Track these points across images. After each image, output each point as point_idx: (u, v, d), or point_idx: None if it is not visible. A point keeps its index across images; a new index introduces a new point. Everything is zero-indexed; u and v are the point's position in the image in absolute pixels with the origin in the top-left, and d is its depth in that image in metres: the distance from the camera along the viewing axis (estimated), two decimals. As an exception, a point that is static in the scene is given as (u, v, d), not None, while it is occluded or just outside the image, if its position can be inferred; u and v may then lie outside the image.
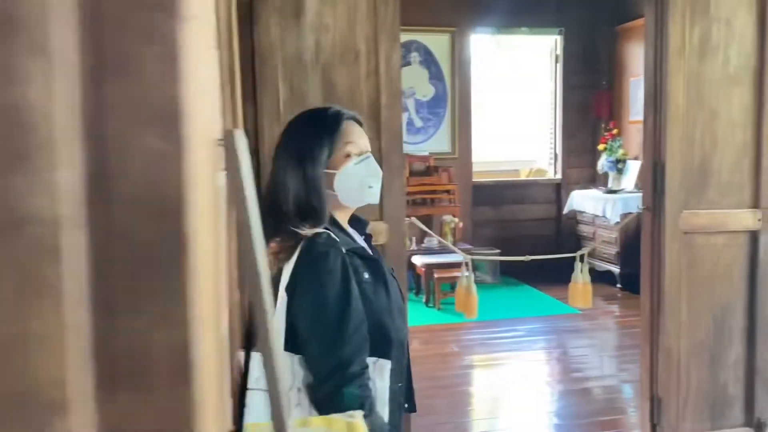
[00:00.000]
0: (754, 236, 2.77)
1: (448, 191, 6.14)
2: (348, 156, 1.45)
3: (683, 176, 2.69)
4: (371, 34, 2.39)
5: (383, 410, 1.41)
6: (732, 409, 2.83)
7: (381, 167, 2.34)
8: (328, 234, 1.40)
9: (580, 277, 3.05)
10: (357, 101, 2.40)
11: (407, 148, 6.33)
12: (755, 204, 2.76)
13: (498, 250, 6.41)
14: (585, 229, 6.33)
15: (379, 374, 1.40)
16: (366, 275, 1.42)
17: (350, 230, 1.52)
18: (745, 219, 2.75)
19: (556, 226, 6.90)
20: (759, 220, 2.75)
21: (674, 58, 2.64)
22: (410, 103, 6.40)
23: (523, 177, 7.02)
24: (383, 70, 2.40)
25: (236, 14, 2.24)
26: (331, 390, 1.33)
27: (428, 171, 6.26)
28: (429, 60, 6.40)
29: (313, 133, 1.46)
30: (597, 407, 3.61)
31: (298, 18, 2.35)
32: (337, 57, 2.38)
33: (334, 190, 1.45)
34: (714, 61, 2.68)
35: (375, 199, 1.50)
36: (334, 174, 1.44)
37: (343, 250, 1.38)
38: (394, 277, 1.58)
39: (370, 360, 1.39)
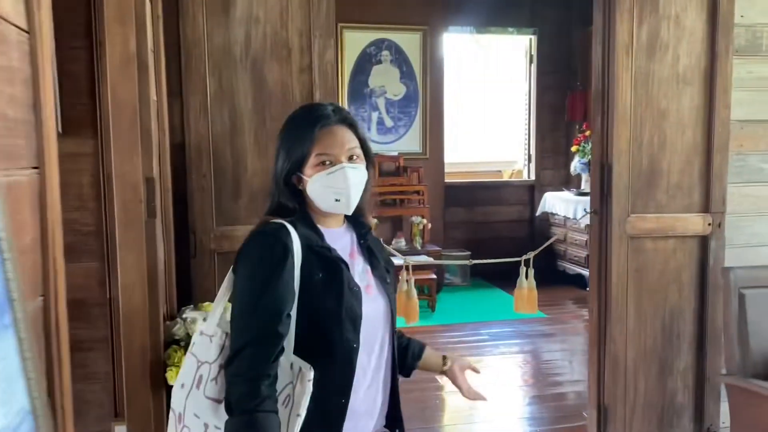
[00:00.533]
0: (704, 241, 2.70)
1: (417, 192, 6.06)
2: (319, 165, 1.40)
3: (630, 179, 2.62)
4: (305, 28, 2.31)
5: (294, 418, 1.32)
6: (681, 418, 2.76)
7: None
8: (281, 225, 1.37)
9: (525, 282, 2.97)
10: (289, 97, 2.32)
11: (377, 148, 6.26)
12: (705, 208, 2.69)
13: (469, 252, 6.34)
14: (557, 231, 6.26)
15: (300, 379, 1.33)
16: (320, 274, 1.37)
17: (326, 229, 1.45)
18: (695, 223, 2.68)
19: (530, 228, 6.83)
20: (709, 224, 2.68)
21: (621, 56, 2.56)
22: (381, 102, 6.31)
23: (506, 178, 6.96)
24: (317, 66, 2.32)
25: (161, 7, 2.15)
26: (231, 373, 1.32)
27: (398, 171, 6.18)
28: (400, 59, 6.32)
29: (293, 134, 1.44)
30: (562, 413, 3.53)
31: (227, 11, 2.26)
32: (269, 52, 2.30)
33: (307, 193, 1.43)
34: (663, 59, 2.61)
35: (345, 210, 1.44)
36: (306, 180, 1.41)
37: (295, 245, 1.35)
38: (388, 295, 1.49)
39: (294, 361, 1.34)
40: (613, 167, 2.59)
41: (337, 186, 1.40)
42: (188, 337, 2.02)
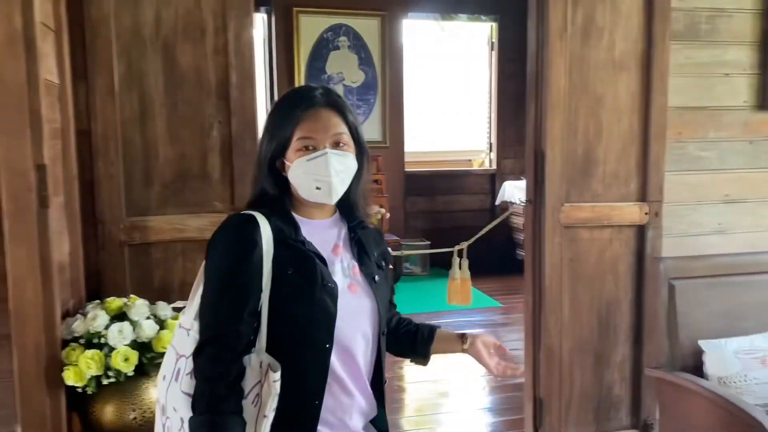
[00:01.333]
0: (641, 230, 2.64)
1: (376, 181, 5.96)
2: (301, 150, 1.32)
3: (565, 166, 2.55)
4: (219, 8, 2.19)
5: (262, 419, 1.27)
6: (618, 411, 2.71)
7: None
8: (249, 216, 1.31)
9: (458, 273, 2.89)
10: (203, 81, 2.21)
11: (335, 136, 6.14)
12: (642, 197, 2.63)
13: (429, 242, 6.27)
14: (516, 220, 6.21)
15: (266, 379, 1.28)
16: (290, 269, 1.30)
17: (307, 220, 1.38)
18: (632, 212, 2.62)
19: (490, 217, 6.77)
20: (646, 213, 2.62)
21: (555, 40, 2.48)
22: (339, 89, 6.18)
23: (476, 167, 6.90)
24: (233, 48, 2.21)
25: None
26: (195, 370, 1.28)
27: (357, 160, 6.07)
28: (358, 45, 6.20)
29: (278, 115, 1.36)
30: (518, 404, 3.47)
31: (135, -12, 2.13)
32: (181, 32, 2.18)
33: (290, 180, 1.35)
34: (599, 44, 2.54)
35: (327, 200, 1.35)
36: (288, 165, 1.33)
37: (264, 237, 1.28)
38: (375, 294, 1.39)
39: (264, 359, 1.28)
40: (546, 155, 2.52)
41: (318, 173, 1.31)
42: (89, 334, 1.91)
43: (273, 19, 5.99)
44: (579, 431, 2.68)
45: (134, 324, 1.95)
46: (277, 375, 1.26)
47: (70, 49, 2.08)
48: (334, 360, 1.32)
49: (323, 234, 1.39)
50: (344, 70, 6.19)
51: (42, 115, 1.78)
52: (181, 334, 1.34)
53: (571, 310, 2.61)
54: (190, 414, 1.27)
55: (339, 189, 1.34)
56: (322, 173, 1.31)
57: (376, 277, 1.41)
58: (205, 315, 1.29)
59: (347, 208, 1.43)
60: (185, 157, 2.21)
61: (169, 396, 1.33)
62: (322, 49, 6.12)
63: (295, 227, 1.34)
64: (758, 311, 2.25)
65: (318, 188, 1.32)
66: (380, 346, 1.42)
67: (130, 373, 1.90)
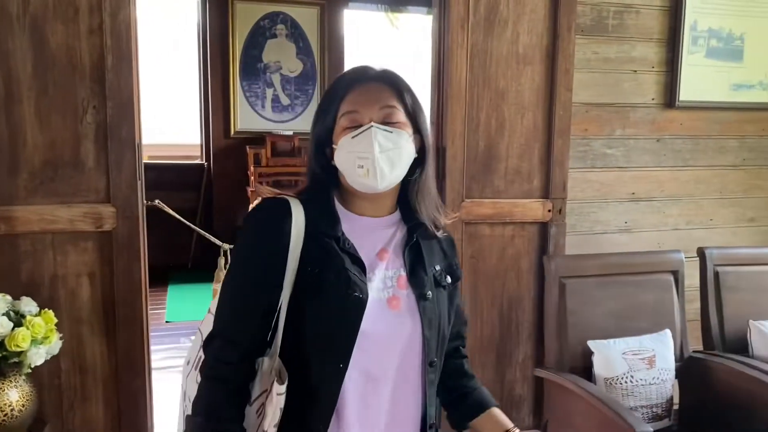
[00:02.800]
0: (544, 228, 2.60)
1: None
2: (347, 129, 1.15)
3: (466, 162, 2.49)
4: (92, -16, 2.05)
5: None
6: (519, 410, 2.67)
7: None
8: (281, 201, 1.16)
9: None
10: (76, 62, 2.07)
11: (271, 127, 6.02)
12: (546, 193, 2.58)
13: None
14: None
15: (272, 391, 1.13)
16: (315, 269, 1.13)
17: (355, 216, 1.20)
18: (534, 209, 2.57)
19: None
20: (549, 210, 2.58)
21: (456, 30, 2.41)
22: (276, 79, 6.05)
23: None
24: (108, 28, 2.07)
25: None
26: (203, 360, 1.17)
27: (293, 152, 5.95)
28: (296, 33, 6.06)
29: (327, 96, 1.20)
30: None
31: (-2, -39, 1.98)
32: (51, 10, 2.04)
33: (338, 167, 1.18)
34: (502, 36, 2.47)
35: (372, 183, 1.14)
36: (335, 149, 1.17)
37: (294, 227, 1.13)
38: (422, 315, 1.18)
39: (275, 367, 1.13)
40: (447, 149, 2.45)
41: (360, 150, 1.12)
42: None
43: (207, 5, 5.82)
44: (480, 431, 2.63)
45: (-15, 320, 1.82)
46: (282, 388, 1.11)
47: (-75, 24, 1.93)
48: (351, 386, 1.13)
49: (372, 234, 1.20)
50: (281, 59, 6.05)
51: None
52: (208, 320, 1.21)
53: (472, 308, 2.55)
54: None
55: (387, 171, 1.14)
56: (365, 150, 1.12)
57: (429, 294, 1.19)
58: (220, 304, 1.17)
59: (407, 207, 1.23)
60: (56, 144, 2.08)
61: (188, 383, 1.23)
62: (258, 36, 5.96)
63: (334, 220, 1.17)
64: (650, 311, 2.23)
65: (360, 166, 1.12)
66: (425, 382, 1.19)
67: (-24, 373, 1.77)
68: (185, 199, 5.92)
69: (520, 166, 2.55)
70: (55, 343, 1.95)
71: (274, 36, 6.01)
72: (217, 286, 2.97)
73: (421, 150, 1.21)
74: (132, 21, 2.11)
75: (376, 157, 1.12)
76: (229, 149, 5.96)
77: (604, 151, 2.69)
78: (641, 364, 2.09)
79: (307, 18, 6.08)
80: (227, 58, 5.87)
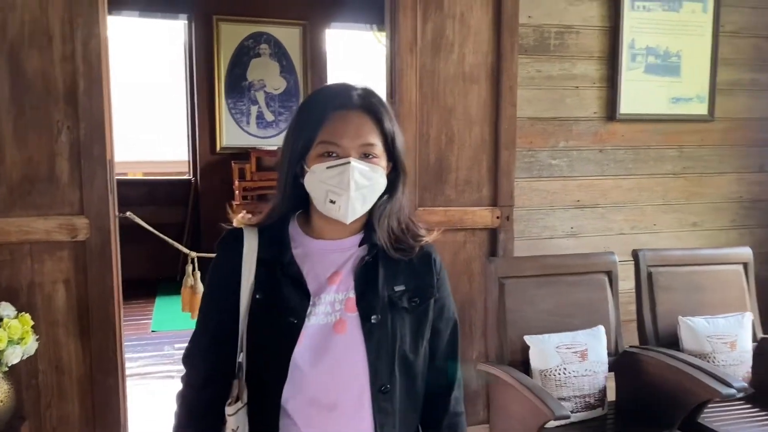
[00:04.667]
0: (493, 233, 2.78)
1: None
2: (323, 156, 1.13)
3: (418, 173, 2.68)
4: (67, 16, 2.25)
5: None
6: (475, 405, 2.83)
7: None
8: (236, 232, 1.19)
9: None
10: (50, 86, 2.27)
11: (256, 142, 6.22)
12: (494, 202, 2.77)
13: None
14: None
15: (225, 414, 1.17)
16: (259, 295, 1.15)
17: (315, 240, 1.20)
18: (484, 216, 2.75)
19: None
20: (498, 217, 2.77)
21: (406, 53, 2.61)
22: (260, 96, 6.26)
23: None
24: (80, 55, 2.27)
25: None
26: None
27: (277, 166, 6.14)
28: (279, 53, 6.28)
29: (304, 114, 1.18)
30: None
31: (-21, -5, 2.18)
32: (27, 38, 2.23)
33: (307, 189, 1.17)
34: (449, 57, 2.67)
35: (341, 218, 1.14)
36: (306, 171, 1.15)
37: (246, 255, 1.16)
38: (373, 340, 1.15)
39: (241, 388, 1.17)
40: (399, 161, 2.64)
41: (334, 184, 1.11)
42: None
43: (193, 26, 6.04)
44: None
45: (-36, 322, 1.99)
46: (231, 409, 1.14)
47: None
48: (299, 413, 1.14)
49: (327, 257, 1.19)
50: (265, 77, 6.26)
51: None
52: None
53: (426, 310, 2.72)
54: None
55: (358, 208, 1.14)
56: (340, 186, 1.11)
57: (376, 317, 1.14)
58: (195, 326, 1.24)
59: (372, 227, 1.19)
60: (33, 161, 2.27)
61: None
62: (242, 56, 6.17)
63: (282, 245, 1.18)
64: (584, 309, 2.40)
65: (332, 201, 1.12)
66: (375, 409, 1.15)
67: (-43, 371, 1.95)
68: (174, 214, 6.11)
69: (469, 176, 2.74)
70: (31, 344, 2.13)
71: (258, 55, 6.22)
72: (185, 291, 3.15)
73: (393, 176, 1.20)
74: (103, 48, 2.30)
75: (351, 196, 1.11)
76: (215, 165, 6.15)
77: (549, 161, 2.88)
78: (574, 357, 2.26)
79: (289, 37, 6.29)
80: (213, 76, 6.08)
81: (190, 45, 6.10)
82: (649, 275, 2.55)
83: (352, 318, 1.15)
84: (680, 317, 2.48)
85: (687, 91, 3.02)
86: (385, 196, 1.19)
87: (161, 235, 2.62)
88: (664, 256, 2.60)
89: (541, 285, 2.39)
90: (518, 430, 2.10)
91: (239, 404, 1.15)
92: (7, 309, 2.14)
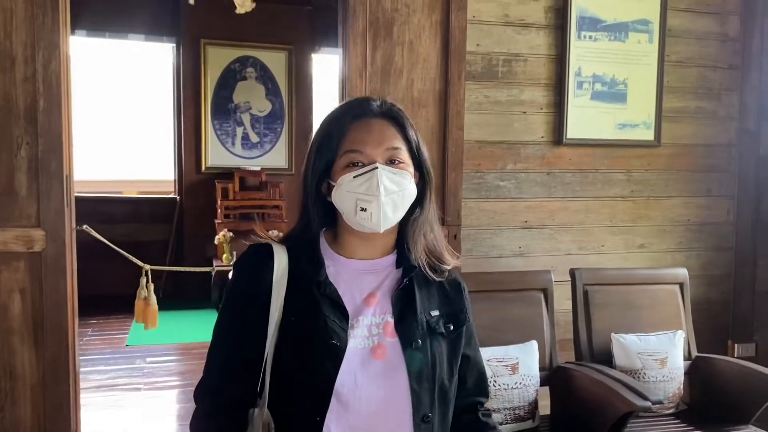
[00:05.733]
0: (441, 252, 2.88)
1: (277, 207, 6.17)
2: (348, 167, 1.12)
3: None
4: (29, 40, 2.39)
5: None
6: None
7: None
8: (265, 247, 1.14)
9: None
10: (12, 105, 2.40)
11: (241, 162, 6.36)
12: (441, 221, 2.86)
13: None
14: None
15: None
16: (294, 317, 1.10)
17: (346, 259, 1.16)
18: (431, 235, 2.86)
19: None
20: (445, 236, 2.86)
21: (355, 79, 2.74)
22: (246, 118, 6.42)
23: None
24: (41, 77, 2.40)
25: None
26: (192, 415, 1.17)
27: (261, 186, 6.28)
28: (265, 76, 6.45)
29: (325, 130, 1.16)
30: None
31: (-54, 20, 2.33)
32: (-10, 61, 2.37)
33: (335, 204, 1.14)
34: (398, 83, 2.80)
35: (373, 226, 1.10)
36: (334, 186, 1.12)
37: (276, 274, 1.11)
38: (412, 367, 1.11)
39: (265, 419, 1.11)
40: (348, 181, 2.76)
41: (363, 191, 1.08)
42: None
43: (181, 49, 6.23)
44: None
45: None
46: None
47: None
48: None
49: (362, 278, 1.15)
50: (251, 100, 6.43)
51: None
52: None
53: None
54: None
55: (390, 214, 1.10)
56: (369, 192, 1.08)
57: (417, 343, 1.11)
58: (208, 353, 1.16)
59: (404, 248, 1.17)
60: (-7, 176, 2.39)
61: None
62: (229, 79, 6.35)
63: (317, 264, 1.13)
64: (518, 324, 2.50)
65: (363, 209, 1.08)
66: None
67: None
68: (159, 231, 6.25)
69: (417, 196, 2.85)
70: (-18, 349, 2.23)
71: (244, 78, 6.40)
72: (138, 303, 3.26)
73: (421, 186, 1.17)
74: (63, 70, 2.44)
75: (382, 201, 1.08)
76: (200, 184, 6.30)
77: (497, 183, 3.00)
78: (505, 370, 2.35)
79: (275, 62, 6.47)
80: (199, 98, 6.25)
81: (178, 67, 6.28)
82: (585, 293, 2.65)
83: (392, 343, 1.11)
84: (613, 334, 2.57)
85: (633, 117, 3.14)
86: (417, 210, 1.16)
87: (117, 249, 2.74)
88: (600, 275, 2.70)
89: (477, 300, 2.46)
90: None
91: None
92: (-39, 315, 2.25)
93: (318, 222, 1.16)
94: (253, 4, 4.75)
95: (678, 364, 2.57)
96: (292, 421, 1.09)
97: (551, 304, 2.58)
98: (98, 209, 5.65)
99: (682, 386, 2.60)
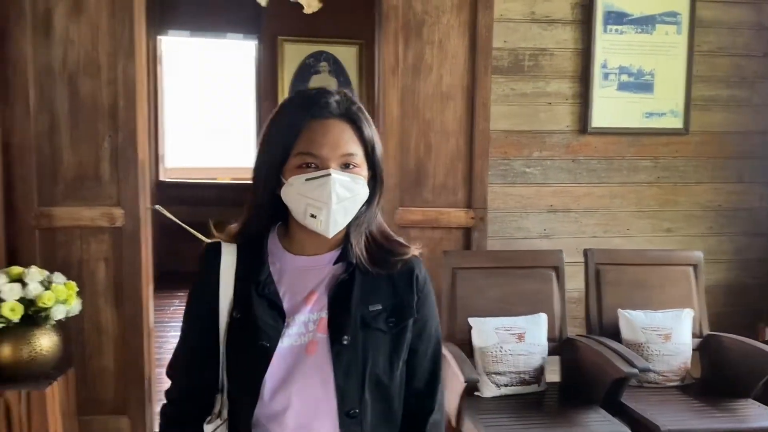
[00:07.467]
0: (468, 232, 3.15)
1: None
2: (301, 167, 1.09)
3: (399, 178, 3.10)
4: (111, 50, 2.86)
5: None
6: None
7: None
8: (214, 246, 1.18)
9: None
10: (99, 105, 2.88)
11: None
12: (468, 204, 3.14)
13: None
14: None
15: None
16: (236, 314, 1.13)
17: (292, 256, 1.17)
18: (458, 217, 3.13)
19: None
20: (472, 218, 3.13)
21: (388, 75, 3.05)
22: (319, 110, 6.84)
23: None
24: (120, 80, 2.87)
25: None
26: None
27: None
28: (338, 69, 6.85)
29: (279, 122, 1.13)
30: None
31: (47, 34, 2.83)
32: (82, 68, 2.86)
33: (285, 202, 1.13)
34: (428, 78, 3.08)
35: (323, 232, 1.10)
36: (283, 182, 1.11)
37: (224, 271, 1.14)
38: (341, 364, 1.10)
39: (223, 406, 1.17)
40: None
41: (314, 197, 1.08)
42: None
43: (262, 46, 6.74)
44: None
45: (25, 285, 2.62)
46: (209, 427, 1.15)
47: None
48: None
49: (306, 274, 1.16)
50: (324, 92, 6.84)
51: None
52: None
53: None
54: None
55: (340, 220, 1.10)
56: (320, 199, 1.07)
57: (345, 339, 1.10)
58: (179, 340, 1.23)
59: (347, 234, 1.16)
60: (83, 163, 2.89)
61: None
62: (304, 73, 6.79)
63: (260, 263, 1.14)
64: (528, 298, 2.73)
65: (312, 215, 1.08)
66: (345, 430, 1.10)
67: (17, 320, 2.56)
68: (238, 214, 6.80)
69: (446, 181, 3.13)
70: (74, 306, 2.73)
71: (318, 72, 6.82)
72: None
73: (372, 185, 1.15)
74: (138, 74, 2.89)
75: (333, 209, 1.08)
76: (277, 171, 6.78)
77: (523, 169, 3.22)
78: (512, 338, 2.61)
79: (347, 55, 6.85)
80: (277, 91, 6.73)
81: (259, 63, 6.79)
82: (597, 272, 2.84)
83: (323, 339, 1.11)
84: (619, 310, 2.76)
85: (661, 106, 3.27)
86: (362, 207, 1.15)
87: (185, 226, 3.17)
88: (611, 255, 2.89)
89: (490, 275, 2.75)
90: (453, 400, 2.46)
91: (218, 421, 1.15)
92: (59, 277, 2.75)
93: (265, 214, 1.16)
94: (320, 4, 5.13)
95: (684, 340, 2.73)
96: (236, 413, 1.14)
97: (562, 281, 2.80)
98: (189, 193, 6.27)
99: (689, 362, 2.75)
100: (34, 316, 2.62)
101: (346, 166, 1.10)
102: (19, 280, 2.64)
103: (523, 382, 2.62)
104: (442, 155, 3.12)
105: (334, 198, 1.08)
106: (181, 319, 1.22)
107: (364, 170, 1.13)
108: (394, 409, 1.17)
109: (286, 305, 1.13)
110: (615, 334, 2.76)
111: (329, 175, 1.08)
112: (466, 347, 2.64)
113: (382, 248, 1.18)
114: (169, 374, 1.23)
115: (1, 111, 2.81)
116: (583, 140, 3.25)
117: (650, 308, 2.80)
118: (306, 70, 6.79)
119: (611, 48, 3.21)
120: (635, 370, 2.32)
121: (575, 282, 3.05)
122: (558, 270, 2.80)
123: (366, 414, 1.11)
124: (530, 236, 3.25)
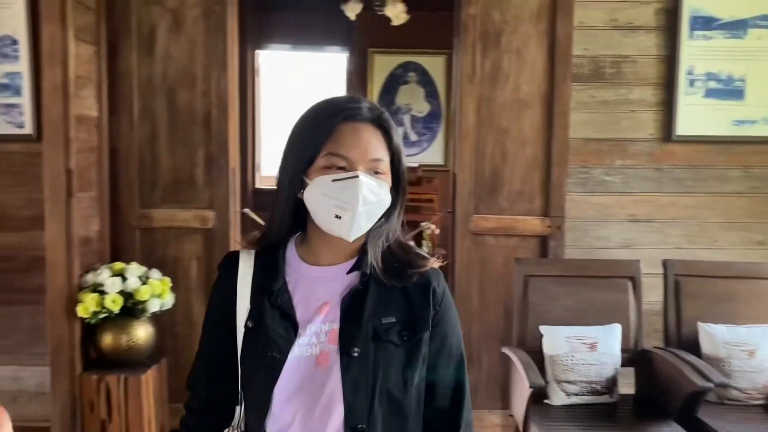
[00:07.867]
0: (545, 240, 3.15)
1: (430, 200, 6.64)
2: (328, 168, 1.08)
3: (474, 185, 3.14)
4: (206, 63, 3.09)
5: None
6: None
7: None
8: (232, 256, 1.19)
9: None
10: (194, 114, 3.11)
11: (401, 160, 6.92)
12: (546, 212, 3.14)
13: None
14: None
15: None
16: (250, 324, 1.12)
17: (309, 266, 1.15)
18: (534, 225, 3.14)
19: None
20: (549, 226, 3.13)
21: (465, 84, 3.11)
22: (406, 119, 6.97)
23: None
24: (214, 91, 3.09)
25: (105, 51, 3.02)
26: None
27: (419, 181, 6.79)
28: (425, 79, 6.95)
29: (306, 125, 1.12)
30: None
31: (150, 51, 3.09)
32: (179, 81, 3.10)
33: (305, 203, 1.11)
34: (505, 87, 3.11)
35: (345, 234, 1.08)
36: (307, 183, 1.09)
37: (241, 282, 1.14)
38: (349, 377, 1.08)
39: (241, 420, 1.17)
40: (457, 176, 3.14)
41: (342, 198, 1.06)
42: (95, 283, 2.84)
43: (353, 58, 6.96)
44: (488, 406, 3.21)
45: (125, 279, 2.86)
46: None
47: (108, 93, 3.08)
48: None
49: (321, 285, 1.14)
50: (412, 102, 6.97)
51: (71, 138, 2.76)
52: None
53: (479, 302, 3.17)
54: None
55: (363, 225, 1.08)
56: (347, 200, 1.05)
57: (355, 351, 1.07)
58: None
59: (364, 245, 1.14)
60: (179, 169, 3.13)
61: None
62: (393, 83, 6.95)
63: (275, 272, 1.13)
64: (602, 308, 2.69)
65: (338, 216, 1.06)
66: None
67: (117, 311, 2.81)
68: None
69: (522, 189, 3.15)
70: (168, 300, 2.95)
71: (406, 82, 6.95)
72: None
73: (393, 196, 1.12)
74: (229, 87, 3.10)
75: (359, 212, 1.06)
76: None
77: (603, 178, 3.18)
78: (583, 347, 2.58)
79: (434, 65, 6.95)
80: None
81: (350, 74, 7.01)
82: (677, 283, 2.77)
83: (333, 351, 1.09)
84: (699, 323, 2.67)
85: (752, 114, 3.14)
86: (382, 218, 1.12)
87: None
88: (692, 267, 2.80)
89: (563, 284, 2.74)
90: (520, 405, 2.48)
91: None
92: (155, 273, 2.99)
93: (288, 222, 1.14)
94: (407, 16, 5.26)
95: (770, 358, 2.61)
96: (251, 425, 1.14)
97: (639, 292, 2.75)
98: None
99: (775, 380, 2.62)
100: (132, 308, 2.86)
101: (374, 173, 1.08)
102: (120, 274, 2.89)
103: (594, 392, 2.59)
104: (519, 162, 3.14)
105: (361, 200, 1.05)
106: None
107: (388, 178, 1.11)
108: (410, 427, 1.12)
109: (299, 315, 1.12)
110: (694, 348, 2.67)
111: (357, 177, 1.06)
112: (537, 355, 2.64)
113: (399, 260, 1.14)
114: (188, 385, 1.24)
115: (110, 120, 3.09)
116: (667, 148, 3.17)
117: (734, 323, 2.69)
118: (394, 80, 6.94)
119: (698, 54, 3.12)
120: (710, 384, 2.25)
121: (658, 294, 2.97)
122: (634, 280, 2.76)
123: (376, 429, 1.08)
124: (610, 246, 3.20)
